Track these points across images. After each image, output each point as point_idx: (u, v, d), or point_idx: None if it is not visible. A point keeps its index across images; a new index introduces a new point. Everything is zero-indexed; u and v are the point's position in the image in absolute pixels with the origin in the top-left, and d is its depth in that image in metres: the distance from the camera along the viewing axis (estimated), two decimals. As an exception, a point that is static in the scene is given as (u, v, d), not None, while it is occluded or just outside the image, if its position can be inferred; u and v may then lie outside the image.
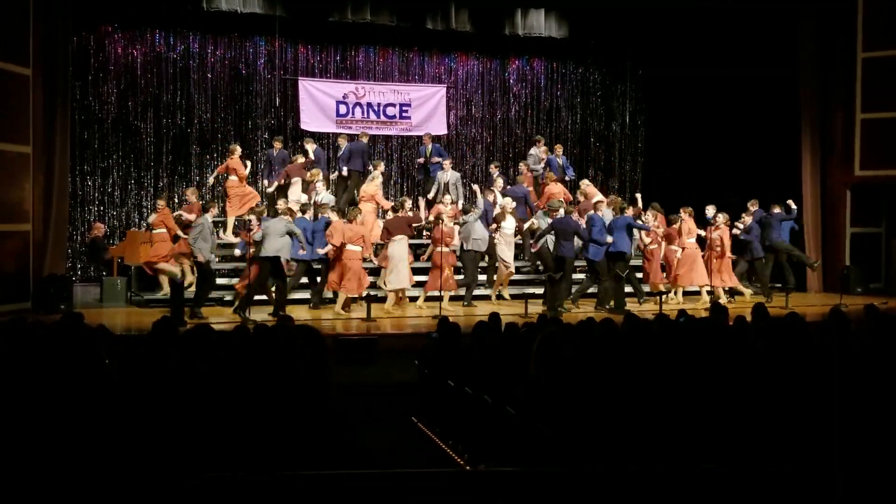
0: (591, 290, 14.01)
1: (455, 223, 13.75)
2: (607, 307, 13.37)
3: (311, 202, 14.44)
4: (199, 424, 4.03)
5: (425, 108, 17.86)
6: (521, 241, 14.81)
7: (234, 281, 13.55)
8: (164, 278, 13.43)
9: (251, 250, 12.58)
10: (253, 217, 13.09)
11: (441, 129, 18.12)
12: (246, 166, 15.16)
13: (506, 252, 13.94)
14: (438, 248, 13.28)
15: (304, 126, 17.01)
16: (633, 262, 14.39)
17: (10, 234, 12.71)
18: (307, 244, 12.84)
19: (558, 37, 17.74)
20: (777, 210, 15.11)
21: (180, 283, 12.16)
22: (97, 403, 4.15)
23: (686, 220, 14.28)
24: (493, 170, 16.23)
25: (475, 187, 15.52)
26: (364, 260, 13.11)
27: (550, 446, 4.56)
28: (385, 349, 10.28)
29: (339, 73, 18.23)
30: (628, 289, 14.01)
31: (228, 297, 13.34)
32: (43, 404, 4.09)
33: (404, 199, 14.47)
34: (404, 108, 17.70)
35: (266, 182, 16.04)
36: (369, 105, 17.49)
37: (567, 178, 16.58)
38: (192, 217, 13.47)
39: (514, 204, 14.24)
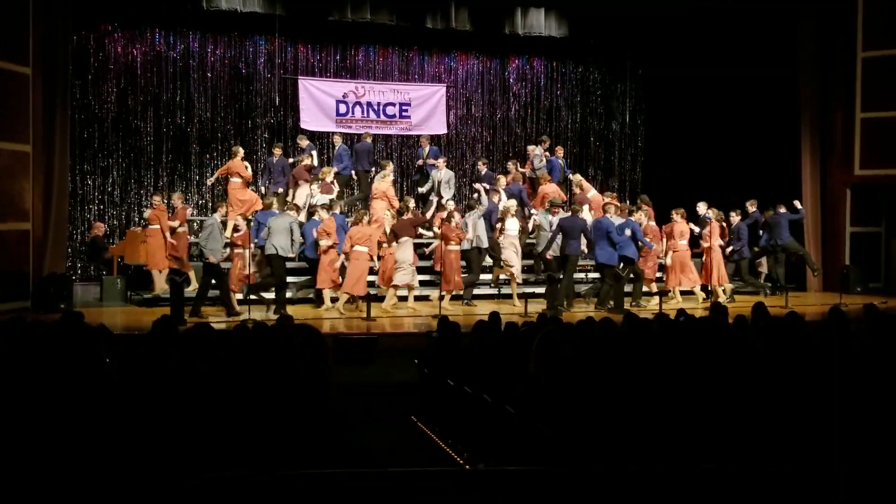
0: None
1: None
2: (608, 307, 13.37)
3: (306, 203, 14.46)
4: (198, 424, 4.03)
5: (425, 107, 17.86)
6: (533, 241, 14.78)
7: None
8: (156, 277, 13.32)
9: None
10: (240, 220, 13.14)
11: (441, 128, 18.13)
12: (247, 168, 15.03)
13: (512, 256, 13.89)
14: (448, 246, 13.22)
15: (303, 125, 17.01)
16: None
17: (9, 234, 12.71)
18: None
19: (558, 36, 17.73)
20: (783, 210, 15.14)
21: (180, 282, 12.15)
22: (97, 403, 4.15)
23: (678, 223, 14.20)
24: (481, 166, 16.29)
25: (478, 186, 15.51)
26: (371, 259, 13.04)
27: (550, 446, 4.56)
28: (385, 349, 10.28)
29: (339, 72, 18.22)
30: (627, 288, 14.01)
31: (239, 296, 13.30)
32: (43, 403, 4.09)
33: (408, 200, 14.47)
34: (404, 108, 17.71)
35: (264, 189, 16.00)
36: (369, 104, 17.50)
37: (570, 178, 16.63)
38: (175, 224, 13.39)
39: (517, 206, 14.24)
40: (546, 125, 19.73)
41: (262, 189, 16.06)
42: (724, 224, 14.73)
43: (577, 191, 15.61)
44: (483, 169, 16.20)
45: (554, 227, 13.66)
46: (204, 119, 17.41)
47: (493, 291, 14.77)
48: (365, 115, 17.45)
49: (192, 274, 13.26)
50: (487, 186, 15.23)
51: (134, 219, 16.66)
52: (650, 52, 19.16)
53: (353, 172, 15.94)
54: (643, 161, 20.32)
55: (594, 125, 20.26)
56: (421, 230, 14.27)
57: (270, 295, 12.95)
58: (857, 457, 3.58)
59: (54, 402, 4.09)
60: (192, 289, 12.97)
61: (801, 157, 16.62)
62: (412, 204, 14.48)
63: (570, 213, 13.71)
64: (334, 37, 18.03)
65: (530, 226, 14.82)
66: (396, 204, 14.48)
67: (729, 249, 14.73)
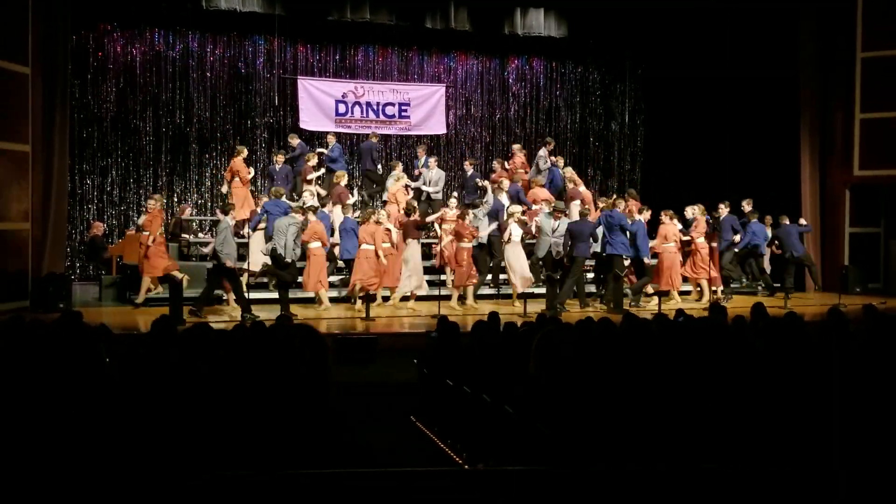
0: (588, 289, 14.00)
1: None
2: (610, 306, 13.36)
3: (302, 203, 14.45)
4: (198, 424, 4.02)
5: (424, 107, 17.87)
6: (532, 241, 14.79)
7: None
8: (146, 280, 12.98)
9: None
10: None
11: (440, 128, 18.14)
12: (249, 171, 14.97)
13: (519, 260, 13.82)
14: (461, 243, 13.21)
15: (303, 125, 17.02)
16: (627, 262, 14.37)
17: (8, 233, 12.70)
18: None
19: (557, 36, 17.74)
20: (787, 221, 15.15)
21: (179, 282, 12.13)
22: (97, 402, 4.15)
23: (666, 224, 14.16)
24: (468, 167, 16.29)
25: (485, 183, 15.46)
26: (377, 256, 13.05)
27: (549, 446, 4.55)
28: (384, 348, 10.28)
29: (339, 72, 18.23)
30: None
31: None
32: (42, 403, 4.09)
33: (412, 201, 14.46)
34: (403, 108, 17.72)
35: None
36: (368, 104, 17.50)
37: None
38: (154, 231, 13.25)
39: (521, 211, 14.23)
40: (545, 125, 19.74)
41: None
42: (709, 219, 14.64)
43: (570, 185, 15.65)
44: (469, 170, 16.21)
45: (558, 231, 13.68)
46: (203, 119, 17.42)
47: (493, 291, 14.77)
48: (364, 115, 17.45)
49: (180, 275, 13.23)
50: (492, 185, 15.26)
51: (133, 218, 16.65)
52: (649, 52, 19.17)
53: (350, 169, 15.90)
54: (642, 161, 20.33)
55: (593, 125, 20.27)
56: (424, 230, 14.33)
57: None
58: (857, 457, 3.58)
59: (54, 402, 4.09)
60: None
61: (801, 158, 16.63)
62: (414, 203, 14.50)
63: (579, 218, 13.77)
64: (334, 37, 18.04)
65: (532, 228, 14.77)
66: (404, 205, 14.50)
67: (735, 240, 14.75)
